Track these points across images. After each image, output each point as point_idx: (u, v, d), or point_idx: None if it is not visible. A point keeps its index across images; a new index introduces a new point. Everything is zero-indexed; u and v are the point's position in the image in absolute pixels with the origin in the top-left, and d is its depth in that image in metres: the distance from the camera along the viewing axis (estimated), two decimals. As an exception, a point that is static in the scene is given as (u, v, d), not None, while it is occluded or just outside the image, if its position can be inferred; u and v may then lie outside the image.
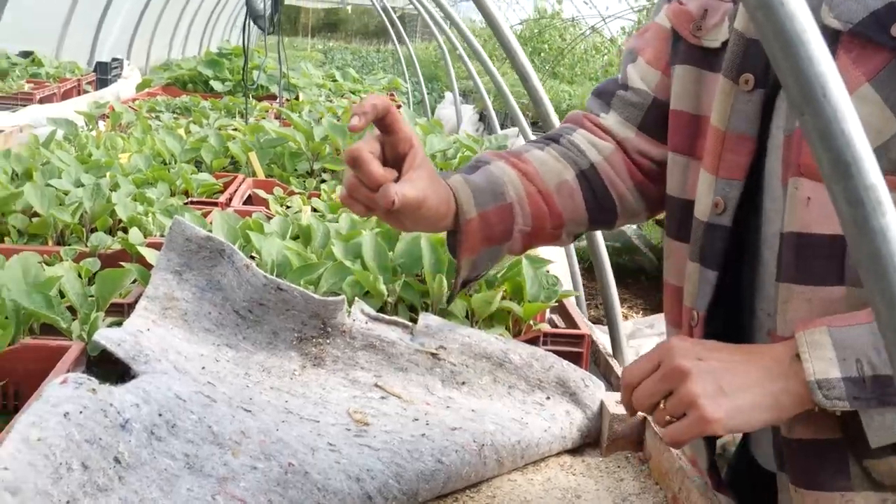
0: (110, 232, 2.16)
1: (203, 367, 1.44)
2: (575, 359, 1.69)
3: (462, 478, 1.39)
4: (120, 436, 1.15)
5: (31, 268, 1.44)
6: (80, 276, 1.71)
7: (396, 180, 1.05)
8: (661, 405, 0.94)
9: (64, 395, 1.11)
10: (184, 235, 1.57)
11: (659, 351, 0.97)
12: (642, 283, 6.70)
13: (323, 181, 3.00)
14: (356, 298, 1.62)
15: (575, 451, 1.61)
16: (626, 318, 5.71)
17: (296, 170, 3.06)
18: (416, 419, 1.46)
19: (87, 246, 1.92)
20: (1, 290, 1.39)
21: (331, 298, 1.52)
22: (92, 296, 1.49)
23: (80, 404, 1.11)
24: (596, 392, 1.61)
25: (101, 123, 3.97)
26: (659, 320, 5.25)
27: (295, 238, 1.98)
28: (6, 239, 2.02)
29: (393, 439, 1.36)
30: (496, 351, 1.58)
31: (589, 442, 1.63)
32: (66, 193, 2.23)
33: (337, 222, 2.13)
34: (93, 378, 1.17)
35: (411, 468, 1.32)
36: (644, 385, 0.96)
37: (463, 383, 1.57)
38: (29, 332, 1.43)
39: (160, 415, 1.21)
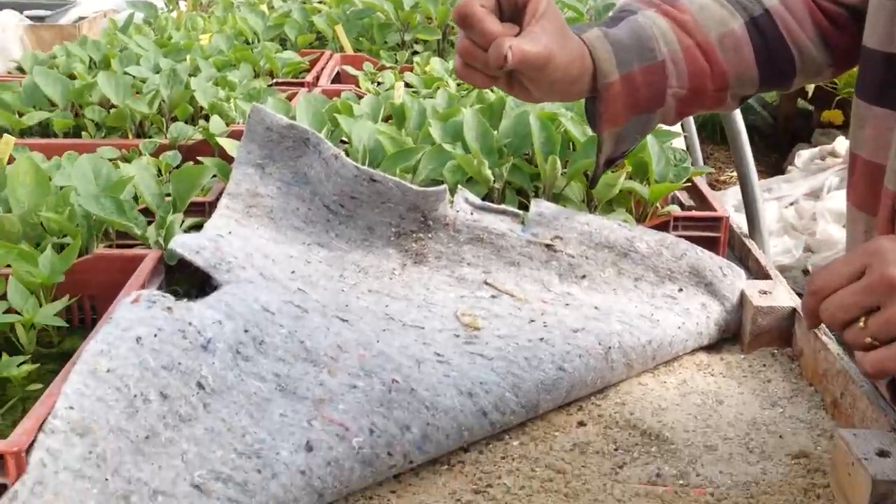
0: (192, 121, 2.01)
1: (293, 272, 1.30)
2: (710, 245, 1.48)
3: (587, 385, 1.22)
4: (202, 358, 1.02)
5: (101, 168, 1.31)
6: (159, 172, 1.57)
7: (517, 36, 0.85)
8: (862, 323, 0.74)
9: (135, 316, 0.98)
10: (263, 124, 1.40)
11: (863, 253, 0.76)
12: (755, 143, 6.30)
13: (415, 53, 2.78)
14: (458, 186, 1.44)
15: (712, 348, 1.43)
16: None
17: (385, 42, 2.85)
18: (533, 320, 1.29)
19: (166, 137, 1.78)
20: (71, 194, 1.26)
21: (430, 189, 1.35)
22: (170, 195, 1.35)
23: (154, 326, 0.98)
24: (735, 281, 1.41)
25: (181, 4, 3.81)
26: (777, 184, 4.90)
27: (387, 120, 1.79)
28: (83, 133, 1.90)
29: (507, 346, 1.20)
30: (620, 239, 1.39)
31: (728, 337, 1.44)
32: (143, 81, 2.08)
33: (433, 97, 1.94)
34: (167, 295, 1.03)
35: (530, 378, 1.16)
36: (840, 295, 0.77)
37: (583, 277, 1.39)
38: (105, 238, 1.30)
39: (246, 331, 1.07)
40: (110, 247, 1.33)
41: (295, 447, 1.00)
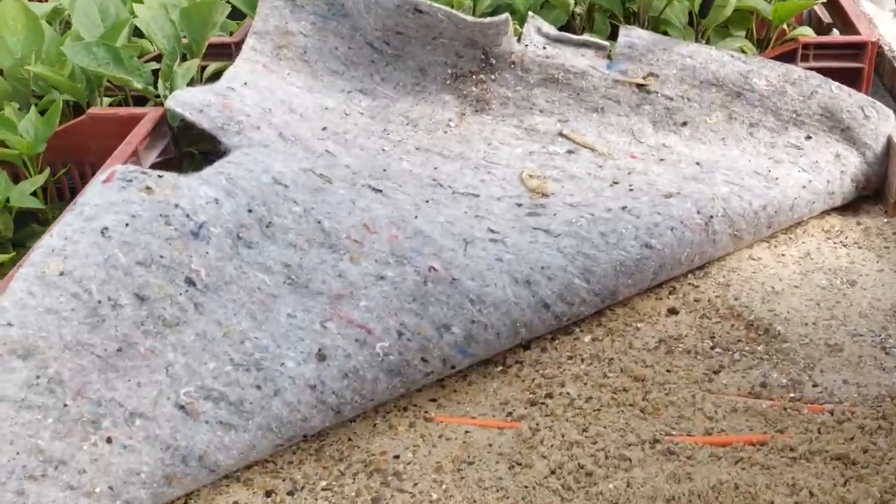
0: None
1: (324, 128, 1.08)
2: (850, 78, 1.17)
3: (681, 263, 0.99)
4: (192, 248, 0.83)
5: (109, 7, 1.09)
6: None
7: None
8: None
9: (104, 201, 0.79)
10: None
11: None
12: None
13: None
14: (529, 14, 1.16)
15: (846, 209, 1.16)
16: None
17: None
18: (616, 182, 1.05)
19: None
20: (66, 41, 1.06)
21: (489, 19, 1.08)
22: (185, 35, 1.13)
23: (127, 213, 0.80)
24: (880, 125, 1.12)
25: None
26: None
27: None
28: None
29: (580, 217, 0.97)
30: (732, 75, 1.11)
31: (868, 196, 1.16)
32: None
33: None
34: (150, 171, 0.84)
35: (606, 259, 0.93)
36: None
37: (683, 124, 1.12)
38: (108, 93, 1.11)
39: (250, 211, 0.88)
40: (114, 105, 1.14)
41: (304, 356, 0.82)
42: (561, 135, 1.14)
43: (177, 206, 0.86)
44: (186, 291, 0.85)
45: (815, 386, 0.89)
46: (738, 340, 0.96)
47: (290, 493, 0.81)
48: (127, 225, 0.82)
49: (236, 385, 0.81)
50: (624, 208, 1.01)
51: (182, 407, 0.79)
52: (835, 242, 1.11)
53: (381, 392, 0.86)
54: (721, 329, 0.98)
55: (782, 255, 1.09)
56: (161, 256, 0.83)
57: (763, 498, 0.74)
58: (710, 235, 1.02)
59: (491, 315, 0.90)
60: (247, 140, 1.01)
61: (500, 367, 0.96)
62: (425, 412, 0.90)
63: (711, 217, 1.02)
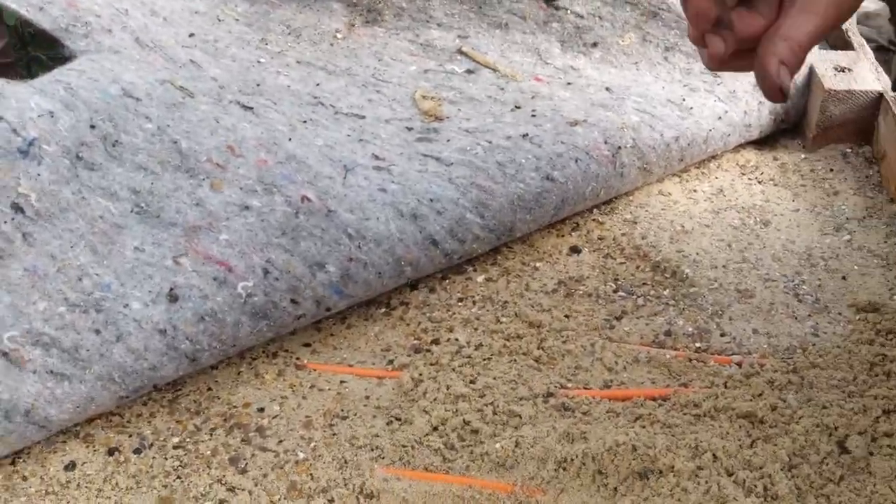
0: None
1: (192, 35, 0.96)
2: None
3: (585, 198, 0.91)
4: (20, 168, 0.71)
5: None
6: None
7: None
8: None
9: None
10: None
11: None
12: None
13: None
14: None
15: (763, 143, 1.09)
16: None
17: None
18: (518, 107, 0.96)
19: None
20: None
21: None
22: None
23: (-65, 125, 0.66)
24: (803, 53, 1.03)
25: None
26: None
27: None
28: None
29: (476, 145, 0.88)
30: (647, -7, 1.01)
31: (786, 129, 1.09)
32: None
33: None
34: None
35: (502, 192, 0.85)
36: None
37: (594, 45, 1.03)
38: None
39: (93, 126, 0.76)
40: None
41: (153, 296, 0.72)
42: (460, 52, 1.04)
43: (1, 118, 0.73)
44: (13, 219, 0.73)
45: (722, 335, 0.83)
46: (644, 284, 0.89)
47: (137, 451, 0.72)
48: (-64, 138, 0.70)
49: (71, 329, 0.70)
50: (525, 136, 0.92)
51: (5, 354, 0.69)
52: (749, 179, 1.05)
53: (245, 337, 0.76)
54: (626, 271, 0.91)
55: (694, 191, 1.03)
56: (-20, 178, 0.71)
57: (663, 461, 0.68)
58: (618, 168, 0.94)
59: (372, 252, 0.80)
60: (95, 44, 0.89)
61: (383, 309, 0.87)
62: (297, 359, 0.82)
63: (619, 148, 0.94)
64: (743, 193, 1.03)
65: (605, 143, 0.94)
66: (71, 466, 0.71)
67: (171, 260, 0.76)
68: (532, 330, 0.84)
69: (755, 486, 0.66)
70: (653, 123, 0.98)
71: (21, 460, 0.72)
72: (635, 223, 0.98)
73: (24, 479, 0.71)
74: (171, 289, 0.74)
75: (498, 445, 0.71)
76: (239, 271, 0.76)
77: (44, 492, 0.69)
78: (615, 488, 0.68)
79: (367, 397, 0.78)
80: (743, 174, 1.06)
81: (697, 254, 0.93)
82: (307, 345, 0.84)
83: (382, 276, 0.83)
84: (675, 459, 0.68)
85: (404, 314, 0.87)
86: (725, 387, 0.77)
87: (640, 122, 0.97)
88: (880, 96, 1.04)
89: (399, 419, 0.75)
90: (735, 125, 1.04)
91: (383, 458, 0.71)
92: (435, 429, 0.74)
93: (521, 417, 0.74)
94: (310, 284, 0.79)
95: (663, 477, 0.67)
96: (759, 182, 1.05)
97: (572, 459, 0.69)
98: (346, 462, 0.70)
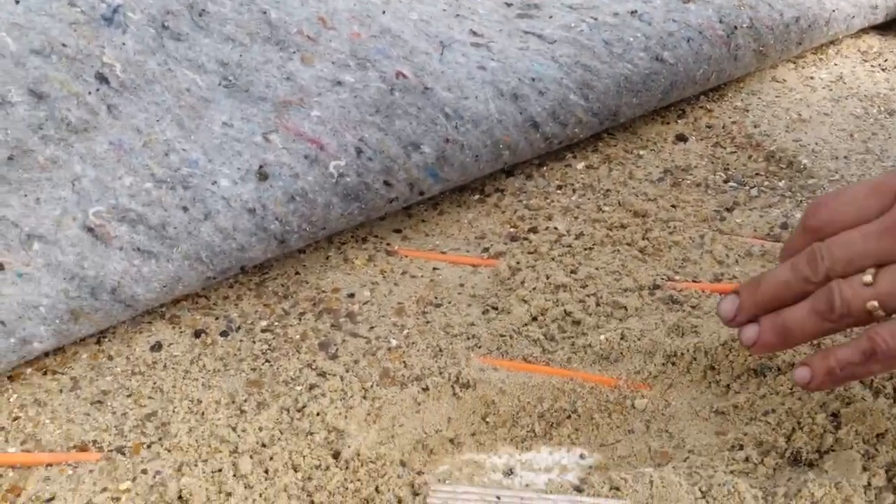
0: None
1: None
2: None
3: (695, 82, 0.85)
4: (105, 36, 0.68)
5: None
6: None
7: None
8: (869, 277, 0.49)
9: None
10: None
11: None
12: None
13: None
14: None
15: (888, 28, 0.99)
16: None
17: None
18: (624, -17, 0.88)
19: None
20: None
21: None
22: None
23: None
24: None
25: None
26: None
27: None
28: None
29: (581, 22, 0.82)
30: None
31: (916, 12, 1.01)
32: None
33: None
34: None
35: (608, 73, 0.79)
36: (849, 236, 0.50)
37: (707, -83, 0.94)
38: None
39: (178, -6, 0.71)
40: None
41: (242, 174, 0.69)
42: (562, -76, 0.96)
43: (84, -19, 0.70)
44: (97, 90, 0.70)
45: (845, 229, 0.76)
46: (757, 174, 0.83)
47: (224, 334, 0.70)
48: (17, 2, 0.66)
49: (158, 205, 0.68)
50: (633, 13, 0.85)
51: (91, 229, 0.66)
52: (872, 66, 0.97)
53: (335, 220, 0.73)
54: (737, 160, 0.84)
55: (811, 77, 0.95)
56: (64, 45, 0.68)
57: (781, 358, 0.63)
58: (732, 50, 0.87)
59: (469, 133, 0.76)
60: None
61: (477, 196, 0.83)
62: (387, 245, 0.78)
63: (735, 28, 0.86)
64: (865, 81, 0.95)
65: (720, 21, 0.87)
66: (157, 347, 0.70)
67: (260, 136, 0.72)
68: (637, 219, 0.79)
69: (883, 386, 0.61)
70: (772, 2, 0.90)
71: (107, 340, 0.70)
72: (747, 111, 0.91)
73: (110, 358, 0.69)
74: (261, 166, 0.71)
75: (602, 337, 0.67)
76: (331, 150, 0.73)
77: (130, 372, 0.68)
78: (728, 385, 0.64)
79: (462, 285, 0.74)
80: (865, 60, 0.98)
81: (816, 144, 0.86)
82: (398, 231, 0.80)
83: (479, 160, 0.78)
84: (794, 357, 0.63)
85: (499, 201, 0.83)
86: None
87: (758, 1, 0.89)
88: None
89: (496, 308, 0.71)
90: (860, 6, 0.95)
91: (479, 347, 0.67)
92: (534, 319, 0.70)
93: (626, 309, 0.70)
94: (404, 166, 0.75)
95: (781, 374, 0.63)
96: (883, 69, 0.97)
97: (682, 354, 0.65)
98: (440, 350, 0.67)
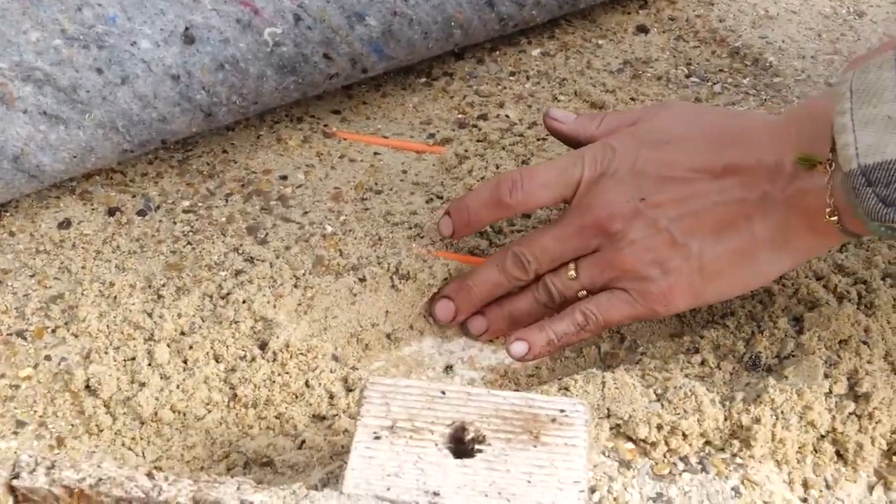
0: None
1: None
2: None
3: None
4: None
5: None
6: None
7: None
8: (572, 272, 0.57)
9: None
10: None
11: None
12: None
13: None
14: None
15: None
16: None
17: None
18: None
19: None
20: None
21: None
22: None
23: None
24: None
25: None
26: None
27: None
28: None
29: None
30: None
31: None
32: None
33: None
34: None
35: (570, -48, 0.73)
36: (544, 242, 0.57)
37: None
38: None
39: None
40: None
41: (165, 35, 0.63)
42: None
43: None
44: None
45: (810, 132, 0.72)
46: (721, 70, 0.79)
47: (141, 214, 0.65)
48: None
49: (69, 65, 0.61)
50: None
51: (-9, 88, 0.59)
52: (842, -36, 0.92)
53: (269, 94, 0.67)
54: (700, 55, 0.80)
55: (780, -28, 0.90)
56: None
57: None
58: (701, -64, 0.81)
59: (419, 7, 0.70)
60: None
61: (423, 79, 0.78)
62: (325, 126, 0.73)
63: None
64: (835, -20, 0.90)
65: None
66: (66, 224, 0.64)
67: (186, -5, 0.65)
68: (594, 110, 0.74)
69: (848, 291, 0.59)
70: None
71: (8, 214, 0.65)
72: (712, 4, 0.87)
73: (12, 234, 0.63)
74: (187, 28, 0.64)
75: (554, 232, 0.62)
76: (266, 14, 0.66)
77: (34, 250, 0.62)
78: (685, 287, 0.60)
79: (405, 172, 0.70)
80: (836, -41, 0.94)
81: (783, 41, 0.82)
82: (336, 112, 0.75)
83: (428, 37, 0.72)
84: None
85: (448, 86, 0.77)
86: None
87: None
88: None
89: (440, 197, 0.67)
90: None
91: (422, 237, 0.63)
92: None
93: None
94: (346, 38, 0.68)
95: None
96: (854, -31, 0.92)
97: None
98: (379, 239, 0.63)
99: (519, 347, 0.57)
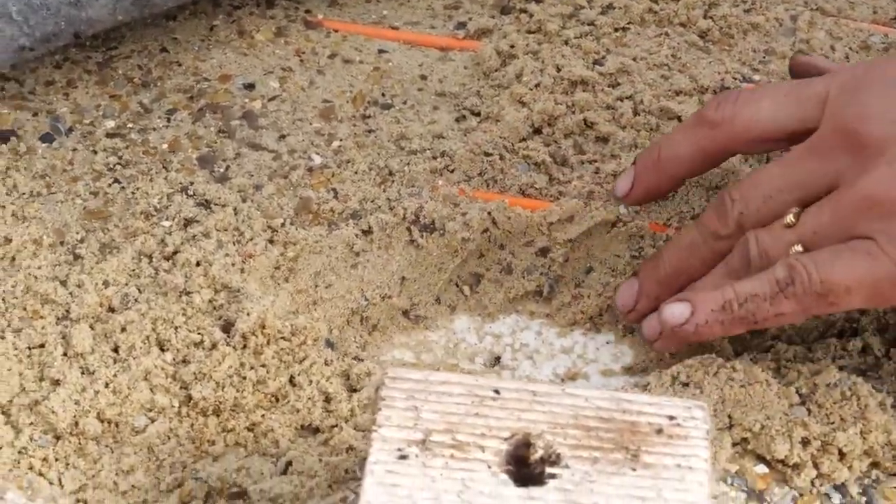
0: None
1: None
2: None
3: None
4: None
5: None
6: None
7: None
8: (791, 218, 0.53)
9: None
10: None
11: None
12: None
13: None
14: None
15: None
16: None
17: None
18: None
19: None
20: None
21: None
22: None
23: None
24: None
25: None
26: None
27: None
28: None
29: None
30: None
31: None
32: None
33: None
34: None
35: None
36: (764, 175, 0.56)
37: None
38: None
39: None
40: None
41: None
42: None
43: None
44: None
45: None
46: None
47: (47, 139, 0.68)
48: None
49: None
50: None
51: None
52: None
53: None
54: None
55: None
56: None
57: None
58: None
59: None
60: None
61: (449, -58, 0.77)
62: (306, 12, 0.75)
63: None
64: None
65: None
66: (-61, 155, 0.65)
67: None
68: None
69: None
70: None
71: None
72: None
73: None
74: None
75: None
76: None
77: None
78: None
79: (424, 77, 0.71)
80: None
81: None
82: (323, -9, 0.75)
83: None
84: None
85: (485, -50, 0.78)
86: None
87: None
88: None
89: (477, 113, 0.69)
90: None
91: (451, 170, 0.64)
92: (537, 131, 0.67)
93: (679, 121, 0.66)
94: None
95: None
96: None
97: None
98: (390, 174, 0.64)
99: (676, 309, 0.54)
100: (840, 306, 0.51)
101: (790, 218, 0.53)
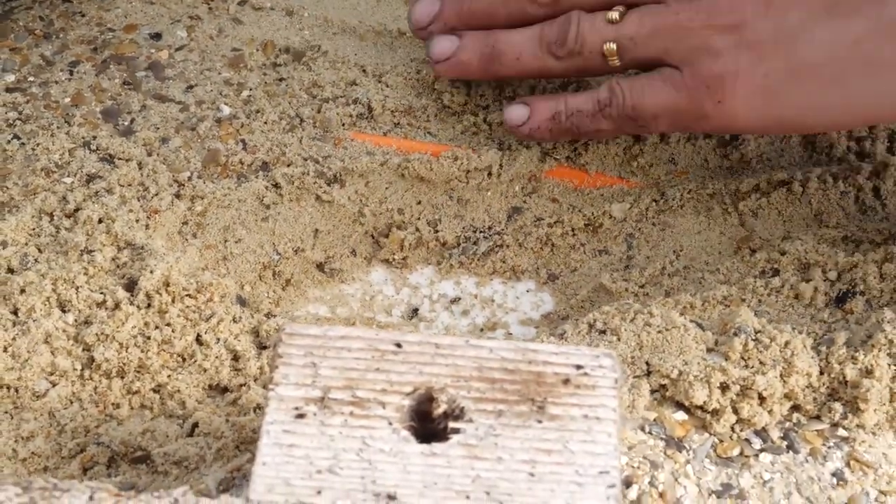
0: None
1: None
2: None
3: None
4: None
5: None
6: None
7: None
8: (616, 14, 0.57)
9: None
10: None
11: None
12: None
13: None
14: None
15: None
16: None
17: None
18: None
19: None
20: None
21: None
22: None
23: None
24: None
25: None
26: None
27: None
28: None
29: None
30: None
31: None
32: None
33: None
34: None
35: None
36: None
37: None
38: None
39: None
40: None
41: None
42: None
43: None
44: None
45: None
46: None
47: None
48: None
49: None
50: None
51: None
52: None
53: None
54: None
55: None
56: None
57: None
58: None
59: None
60: None
61: None
62: None
63: None
64: None
65: None
66: None
67: None
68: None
69: None
70: None
71: None
72: None
73: None
74: None
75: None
76: None
77: None
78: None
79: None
80: None
81: None
82: (233, -67, 0.73)
83: None
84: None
85: None
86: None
87: None
88: None
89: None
90: None
91: (369, 118, 0.63)
92: None
93: None
94: None
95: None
96: None
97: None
98: (301, 123, 0.62)
99: (518, 112, 0.59)
100: (649, 129, 0.58)
101: (615, 15, 0.56)
